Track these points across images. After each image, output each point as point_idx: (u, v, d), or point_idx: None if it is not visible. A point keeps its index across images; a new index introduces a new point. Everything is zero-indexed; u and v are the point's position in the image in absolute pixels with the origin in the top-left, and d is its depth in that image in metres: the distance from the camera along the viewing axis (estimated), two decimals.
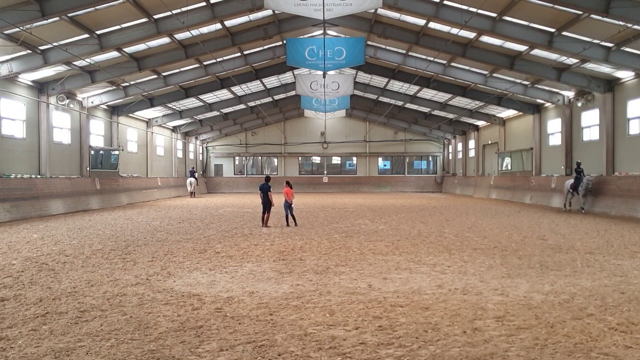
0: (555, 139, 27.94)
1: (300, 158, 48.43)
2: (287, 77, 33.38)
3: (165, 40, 21.77)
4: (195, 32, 20.86)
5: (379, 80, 33.64)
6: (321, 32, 24.57)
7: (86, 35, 19.30)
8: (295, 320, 5.54)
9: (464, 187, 39.55)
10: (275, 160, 48.85)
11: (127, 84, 26.55)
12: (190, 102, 34.73)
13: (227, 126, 44.43)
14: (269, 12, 21.08)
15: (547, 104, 28.25)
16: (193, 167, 41.07)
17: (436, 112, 38.61)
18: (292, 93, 35.90)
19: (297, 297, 6.56)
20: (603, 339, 4.94)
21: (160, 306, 6.16)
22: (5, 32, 17.13)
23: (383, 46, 26.23)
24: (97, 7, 17.16)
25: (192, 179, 35.93)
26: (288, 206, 15.41)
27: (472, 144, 41.08)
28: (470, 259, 9.41)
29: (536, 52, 21.51)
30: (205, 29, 21.56)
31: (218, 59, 25.32)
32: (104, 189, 25.06)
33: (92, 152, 27.36)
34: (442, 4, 18.88)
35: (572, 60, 20.91)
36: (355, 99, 38.21)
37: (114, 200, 25.78)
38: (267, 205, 15.42)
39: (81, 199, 22.46)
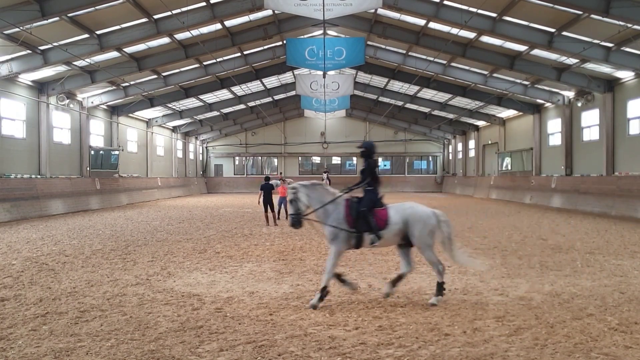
0: (555, 139, 27.94)
1: (300, 158, 48.41)
2: (287, 77, 33.37)
3: (165, 40, 21.76)
4: (195, 32, 20.85)
5: (379, 80, 33.63)
6: (321, 32, 24.56)
7: (86, 35, 19.29)
8: (295, 320, 5.55)
9: (464, 187, 39.55)
10: (275, 160, 48.84)
11: (127, 84, 26.54)
12: (190, 102, 34.72)
13: (227, 126, 44.42)
14: (269, 12, 21.07)
15: (547, 104, 28.24)
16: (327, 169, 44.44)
17: (436, 112, 38.60)
18: (292, 93, 35.88)
19: (297, 297, 6.57)
20: (603, 339, 4.94)
21: (160, 306, 6.16)
22: (5, 32, 17.13)
23: (383, 46, 26.22)
24: (97, 7, 17.16)
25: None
26: (283, 201, 16.49)
27: (472, 144, 41.06)
28: (471, 259, 9.41)
29: (536, 52, 21.50)
30: (205, 29, 21.55)
31: (218, 59, 25.30)
32: (104, 189, 25.05)
33: (92, 152, 27.36)
34: (442, 4, 18.88)
35: (572, 60, 20.91)
36: (355, 99, 38.19)
37: (114, 200, 25.77)
38: (270, 204, 15.64)
39: (81, 199, 22.46)
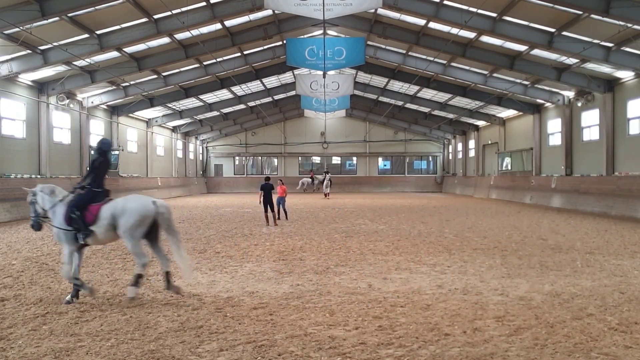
0: (555, 139, 27.94)
1: (300, 158, 48.42)
2: (287, 77, 33.37)
3: (165, 40, 21.76)
4: (195, 32, 20.85)
5: (379, 80, 33.64)
6: (321, 32, 24.56)
7: (86, 35, 19.30)
8: (295, 320, 5.55)
9: (464, 187, 39.55)
10: (275, 160, 48.85)
11: (127, 84, 26.55)
12: (190, 102, 34.72)
13: (227, 126, 44.43)
14: (269, 12, 21.08)
15: (547, 104, 28.25)
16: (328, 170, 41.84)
17: (436, 112, 38.61)
18: (292, 93, 35.90)
19: (297, 297, 6.57)
20: (603, 339, 4.94)
21: (160, 306, 6.17)
22: (5, 32, 17.13)
23: (383, 46, 26.22)
24: (97, 7, 17.16)
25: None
26: (282, 200, 17.20)
27: (472, 144, 41.07)
28: (470, 259, 9.41)
29: (536, 52, 21.51)
30: (205, 29, 21.56)
31: (218, 59, 25.31)
32: None
33: (92, 152, 27.36)
34: (442, 4, 18.88)
35: (572, 60, 20.91)
36: (355, 99, 38.20)
37: None
38: (270, 204, 15.65)
39: None
